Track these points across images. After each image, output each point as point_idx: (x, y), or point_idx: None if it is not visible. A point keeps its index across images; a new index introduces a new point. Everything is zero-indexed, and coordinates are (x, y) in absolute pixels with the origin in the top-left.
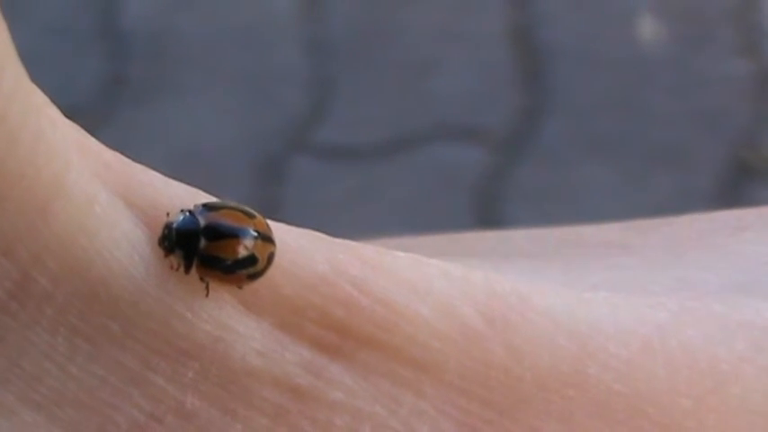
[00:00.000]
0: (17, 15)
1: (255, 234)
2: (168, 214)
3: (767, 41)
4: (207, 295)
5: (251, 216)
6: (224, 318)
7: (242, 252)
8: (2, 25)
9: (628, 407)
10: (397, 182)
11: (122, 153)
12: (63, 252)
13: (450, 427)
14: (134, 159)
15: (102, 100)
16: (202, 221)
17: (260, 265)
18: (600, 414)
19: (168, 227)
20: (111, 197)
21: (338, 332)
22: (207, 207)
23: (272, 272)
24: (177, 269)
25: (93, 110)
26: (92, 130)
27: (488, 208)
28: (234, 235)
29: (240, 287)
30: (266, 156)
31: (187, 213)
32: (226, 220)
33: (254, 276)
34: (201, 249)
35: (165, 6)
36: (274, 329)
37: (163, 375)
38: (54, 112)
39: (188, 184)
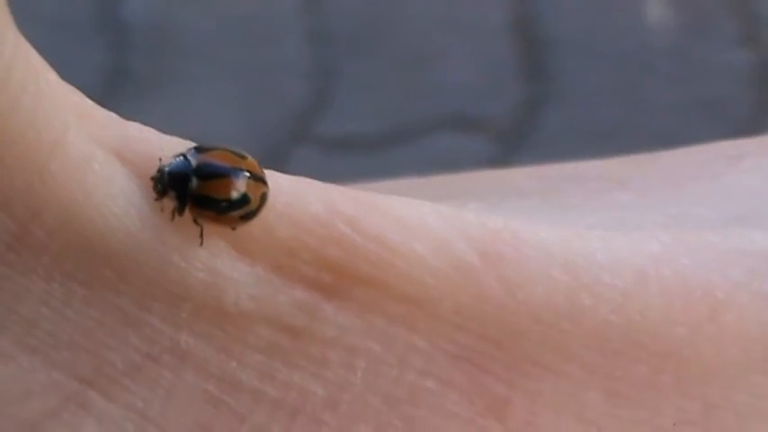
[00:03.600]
0: (17, 9)
1: (247, 174)
2: (161, 159)
3: (767, 31)
4: (201, 244)
5: (242, 157)
6: (218, 265)
7: (234, 191)
8: None
9: (624, 337)
10: (399, 172)
11: None
12: (61, 208)
13: (444, 361)
14: None
15: (103, 93)
16: (194, 162)
17: (252, 205)
18: (596, 345)
19: (160, 170)
20: (108, 155)
21: (332, 272)
22: (198, 149)
23: (265, 214)
24: (173, 216)
25: (95, 102)
26: None
27: None
28: (225, 174)
29: (233, 228)
30: (269, 147)
31: (180, 157)
32: (217, 160)
33: (246, 217)
34: (194, 189)
35: None
36: (268, 273)
37: (157, 316)
38: (53, 76)
39: None
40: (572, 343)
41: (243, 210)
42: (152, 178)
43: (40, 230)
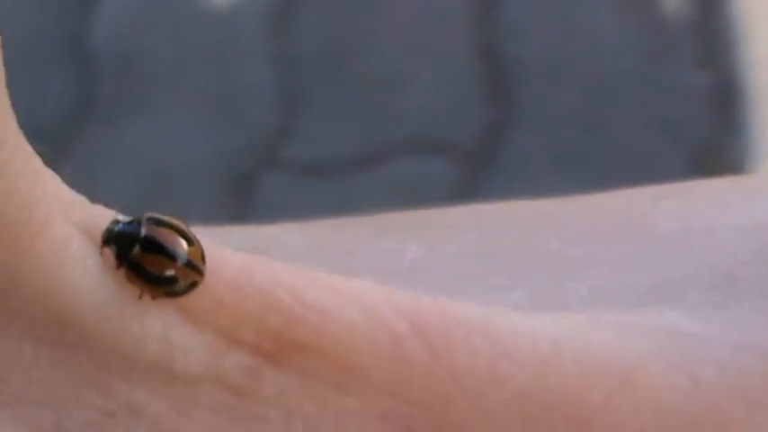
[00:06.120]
0: None
1: (186, 260)
2: (117, 218)
3: (727, 52)
4: (155, 314)
5: (190, 243)
6: (171, 334)
7: (167, 272)
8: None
9: (542, 404)
10: (366, 197)
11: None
12: (40, 281)
13: (376, 422)
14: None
15: (70, 121)
16: (143, 231)
17: (178, 288)
18: (517, 410)
19: (110, 226)
20: (82, 235)
21: (273, 338)
22: (152, 220)
23: (215, 284)
24: (117, 268)
25: (62, 131)
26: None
27: None
28: (165, 254)
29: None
30: (236, 173)
31: (134, 222)
32: (164, 237)
33: (171, 295)
34: (133, 256)
35: (132, 26)
36: (216, 339)
37: (114, 375)
38: (38, 160)
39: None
40: (495, 408)
41: (169, 288)
42: (103, 232)
43: (19, 300)
